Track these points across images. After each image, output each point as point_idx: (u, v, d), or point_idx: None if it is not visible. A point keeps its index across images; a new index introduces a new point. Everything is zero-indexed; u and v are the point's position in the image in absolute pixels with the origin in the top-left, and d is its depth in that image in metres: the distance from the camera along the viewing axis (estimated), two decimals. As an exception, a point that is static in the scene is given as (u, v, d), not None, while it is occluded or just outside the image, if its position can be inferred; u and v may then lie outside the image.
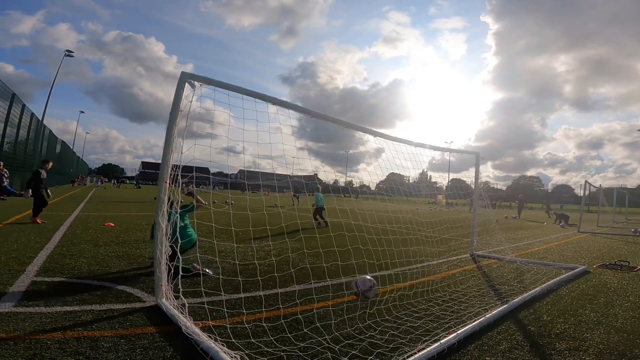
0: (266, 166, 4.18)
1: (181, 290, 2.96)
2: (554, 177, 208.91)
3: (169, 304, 3.14)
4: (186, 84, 3.19)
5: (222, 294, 3.46)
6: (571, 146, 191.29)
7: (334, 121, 4.40)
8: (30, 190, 8.19)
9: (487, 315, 3.23)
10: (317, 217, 10.83)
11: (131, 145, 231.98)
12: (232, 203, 15.25)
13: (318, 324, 2.96)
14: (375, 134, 5.02)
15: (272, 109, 3.69)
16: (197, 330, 2.61)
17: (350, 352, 2.52)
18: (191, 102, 3.25)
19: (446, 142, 56.10)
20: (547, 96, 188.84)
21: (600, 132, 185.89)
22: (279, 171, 4.46)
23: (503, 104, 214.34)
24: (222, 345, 2.44)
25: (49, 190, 8.64)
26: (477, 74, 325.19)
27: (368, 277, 3.69)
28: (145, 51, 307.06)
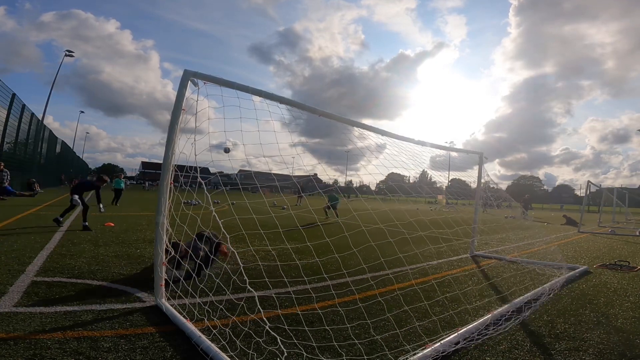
0: (263, 166, 4.15)
1: (190, 290, 2.96)
2: (566, 176, 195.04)
3: (168, 304, 3.14)
4: (189, 82, 3.10)
5: (225, 293, 3.46)
6: (593, 140, 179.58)
7: (340, 120, 4.31)
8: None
9: (487, 315, 3.23)
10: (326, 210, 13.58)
11: (116, 142, 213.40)
12: (233, 203, 15.17)
13: (318, 324, 2.97)
14: (377, 132, 4.97)
15: (273, 104, 3.61)
16: (197, 331, 2.61)
17: (351, 351, 2.52)
18: (197, 101, 3.17)
19: (446, 142, 56.20)
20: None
21: (628, 122, 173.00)
22: (280, 171, 4.45)
23: (525, 87, 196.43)
24: (223, 345, 2.44)
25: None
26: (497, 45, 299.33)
27: None
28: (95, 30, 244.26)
